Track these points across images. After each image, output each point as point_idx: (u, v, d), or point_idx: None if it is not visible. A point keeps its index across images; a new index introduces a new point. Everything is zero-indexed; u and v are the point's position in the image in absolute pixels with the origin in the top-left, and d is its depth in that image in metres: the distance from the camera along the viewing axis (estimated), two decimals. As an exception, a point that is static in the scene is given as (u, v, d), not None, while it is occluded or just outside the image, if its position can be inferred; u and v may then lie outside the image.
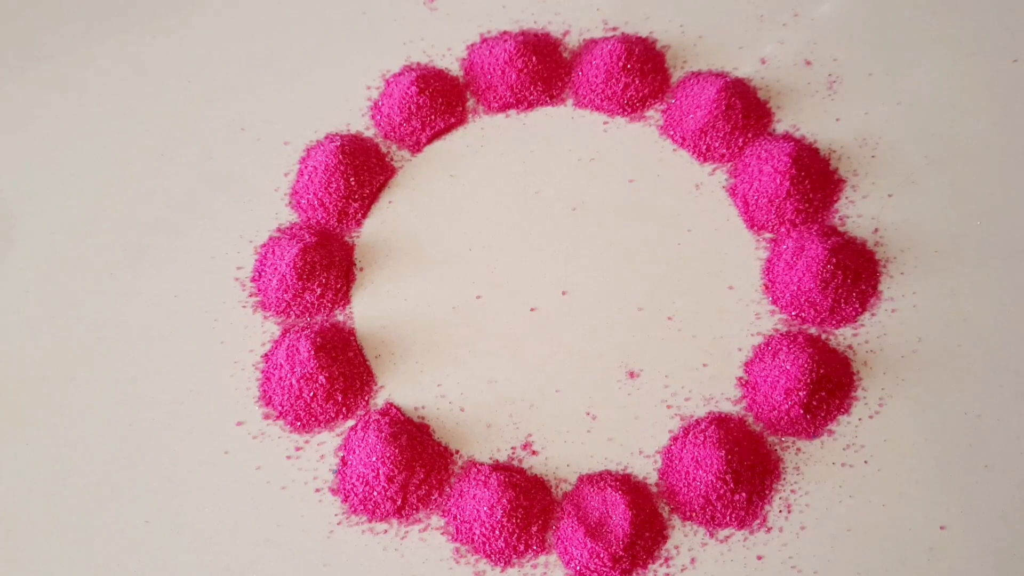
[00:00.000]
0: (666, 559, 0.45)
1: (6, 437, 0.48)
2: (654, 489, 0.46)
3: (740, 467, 0.45)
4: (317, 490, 0.46)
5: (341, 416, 0.48)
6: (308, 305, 0.50)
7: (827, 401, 0.47)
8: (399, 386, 0.49)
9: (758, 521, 0.45)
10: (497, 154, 0.54)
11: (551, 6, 0.56)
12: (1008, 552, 0.44)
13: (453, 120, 0.54)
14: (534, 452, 0.47)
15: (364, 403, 0.48)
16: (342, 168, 0.52)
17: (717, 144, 0.52)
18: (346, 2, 0.58)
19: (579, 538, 0.44)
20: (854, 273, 0.48)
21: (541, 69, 0.55)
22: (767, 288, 0.50)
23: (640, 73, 0.54)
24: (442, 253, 0.51)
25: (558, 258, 0.51)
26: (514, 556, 0.45)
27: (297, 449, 0.47)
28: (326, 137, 0.54)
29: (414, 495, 0.46)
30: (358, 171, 0.52)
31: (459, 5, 0.57)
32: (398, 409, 0.48)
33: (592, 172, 0.53)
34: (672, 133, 0.53)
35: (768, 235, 0.51)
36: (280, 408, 0.48)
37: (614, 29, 0.57)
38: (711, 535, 0.45)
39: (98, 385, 0.48)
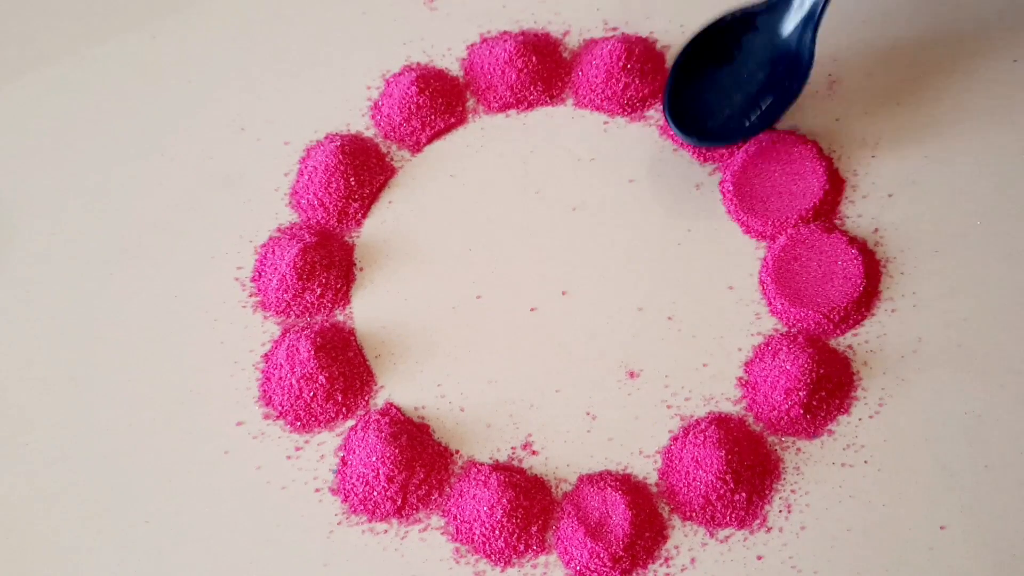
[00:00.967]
0: (666, 559, 0.45)
1: (6, 437, 0.48)
2: (654, 489, 0.46)
3: (740, 467, 0.45)
4: (317, 490, 0.46)
5: (341, 416, 0.48)
6: (308, 305, 0.50)
7: (827, 401, 0.47)
8: (399, 386, 0.49)
9: (758, 521, 0.45)
10: (497, 154, 0.54)
11: (551, 6, 0.56)
12: (1008, 552, 0.44)
13: (453, 120, 0.54)
14: (534, 452, 0.47)
15: (364, 403, 0.48)
16: (342, 168, 0.52)
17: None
18: (346, 2, 0.58)
19: (579, 538, 0.44)
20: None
21: (541, 69, 0.55)
22: (763, 288, 0.50)
23: (640, 73, 0.54)
24: (442, 253, 0.51)
25: (558, 258, 0.51)
26: (514, 556, 0.45)
27: (297, 449, 0.47)
28: (326, 137, 0.54)
29: (414, 495, 0.46)
30: (358, 171, 0.52)
31: (459, 5, 0.57)
32: (398, 409, 0.48)
33: (592, 172, 0.53)
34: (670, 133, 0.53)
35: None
36: (280, 408, 0.48)
37: (614, 29, 0.57)
38: (711, 535, 0.45)
39: (98, 385, 0.48)
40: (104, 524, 0.46)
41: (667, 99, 0.51)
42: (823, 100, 0.54)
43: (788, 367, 0.46)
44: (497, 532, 0.44)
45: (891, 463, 0.46)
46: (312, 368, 0.47)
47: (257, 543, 0.45)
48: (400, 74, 0.55)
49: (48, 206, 0.53)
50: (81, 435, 0.47)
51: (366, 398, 0.48)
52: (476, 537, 0.45)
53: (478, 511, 0.45)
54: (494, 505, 0.44)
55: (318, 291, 0.50)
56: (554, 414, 0.48)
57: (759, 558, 0.45)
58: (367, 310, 0.50)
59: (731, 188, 0.52)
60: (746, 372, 0.48)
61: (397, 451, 0.45)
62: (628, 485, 0.46)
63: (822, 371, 0.46)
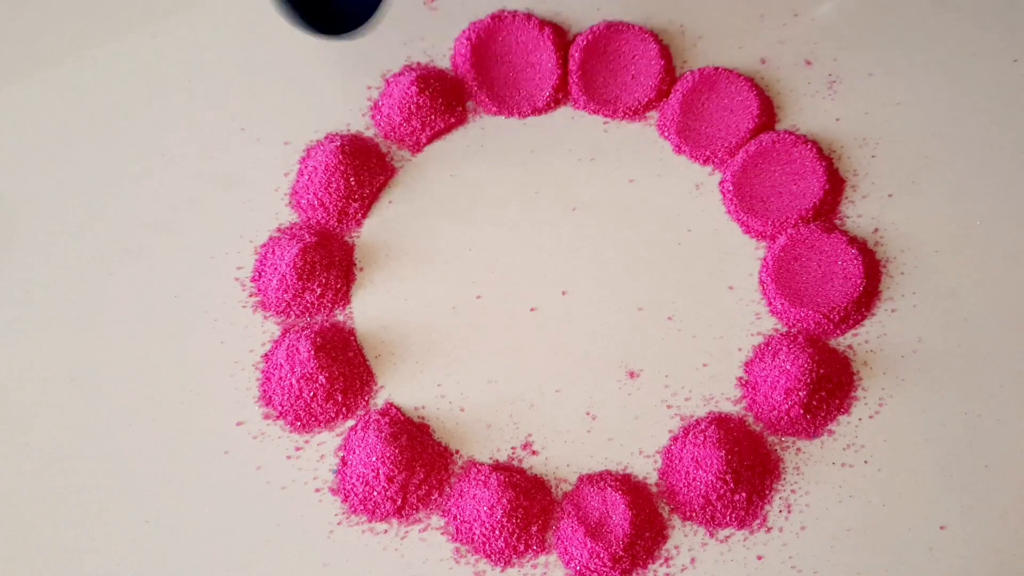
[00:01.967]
0: (666, 559, 0.45)
1: (6, 437, 0.48)
2: (654, 489, 0.46)
3: (740, 467, 0.45)
4: (317, 490, 0.46)
5: (341, 416, 0.48)
6: (308, 305, 0.50)
7: (827, 401, 0.47)
8: (399, 386, 0.49)
9: (758, 521, 0.45)
10: (497, 154, 0.54)
11: (551, 6, 0.56)
12: (1008, 552, 0.44)
13: (453, 120, 0.54)
14: (534, 452, 0.47)
15: (364, 403, 0.48)
16: (342, 168, 0.52)
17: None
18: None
19: (579, 538, 0.44)
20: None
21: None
22: (763, 288, 0.50)
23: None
24: (442, 253, 0.51)
25: (558, 258, 0.51)
26: (514, 556, 0.45)
27: (297, 449, 0.47)
28: (326, 137, 0.54)
29: (414, 495, 0.46)
30: (358, 171, 0.52)
31: (459, 5, 0.57)
32: (398, 409, 0.48)
33: (592, 172, 0.53)
34: (667, 134, 0.53)
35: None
36: (280, 408, 0.48)
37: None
38: (711, 535, 0.45)
39: (98, 385, 0.48)
40: (104, 524, 0.46)
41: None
42: (823, 100, 0.54)
43: (788, 367, 0.46)
44: (497, 532, 0.44)
45: (891, 463, 0.46)
46: (312, 368, 0.47)
47: (257, 543, 0.45)
48: (400, 74, 0.55)
49: (48, 206, 0.53)
50: (81, 435, 0.47)
51: (366, 398, 0.48)
52: (476, 537, 0.45)
53: (478, 511, 0.44)
54: (494, 505, 0.44)
55: (318, 291, 0.50)
56: (554, 414, 0.48)
57: (759, 558, 0.45)
58: (367, 310, 0.50)
59: (731, 188, 0.52)
60: (746, 372, 0.48)
61: (397, 451, 0.45)
62: (628, 485, 0.46)
63: (822, 371, 0.46)
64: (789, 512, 0.46)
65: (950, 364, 0.48)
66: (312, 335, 0.48)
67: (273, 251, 0.51)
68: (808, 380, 0.46)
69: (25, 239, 0.52)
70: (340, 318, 0.50)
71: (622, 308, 0.50)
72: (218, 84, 0.56)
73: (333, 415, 0.48)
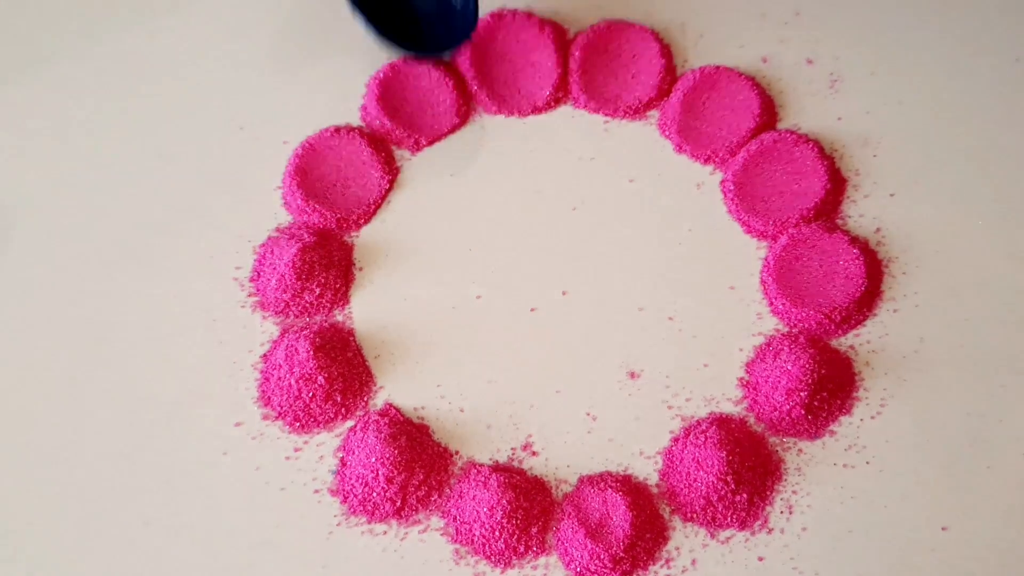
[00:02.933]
0: (667, 560, 0.45)
1: (6, 437, 0.47)
2: (655, 490, 0.46)
3: (741, 468, 0.45)
4: (316, 491, 0.46)
5: (340, 417, 0.48)
6: (307, 305, 0.50)
7: (828, 402, 0.47)
8: (399, 386, 0.48)
9: (759, 522, 0.45)
10: (497, 154, 0.54)
11: (551, 5, 0.56)
12: (1009, 552, 0.44)
13: (457, 120, 0.54)
14: (534, 453, 0.47)
15: (363, 403, 0.48)
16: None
17: None
18: (346, 2, 0.58)
19: (579, 539, 0.44)
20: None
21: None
22: (764, 288, 0.50)
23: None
24: (442, 253, 0.51)
25: (558, 258, 0.51)
26: (514, 557, 0.45)
27: (296, 450, 0.47)
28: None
29: (413, 496, 0.45)
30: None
31: (459, 4, 0.57)
32: (397, 409, 0.48)
33: (592, 172, 0.53)
34: (668, 133, 0.53)
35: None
36: (279, 409, 0.47)
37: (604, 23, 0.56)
38: (712, 536, 0.45)
39: (97, 385, 0.48)
40: (104, 524, 0.46)
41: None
42: (824, 100, 0.54)
43: (789, 367, 0.46)
44: (497, 533, 0.44)
45: (893, 464, 0.46)
46: (311, 368, 0.47)
47: (256, 544, 0.45)
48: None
49: (46, 206, 0.53)
50: (81, 435, 0.47)
51: (365, 398, 0.48)
52: (476, 538, 0.44)
53: (478, 512, 0.44)
54: (494, 506, 0.44)
55: (317, 291, 0.50)
56: (554, 414, 0.48)
57: (760, 559, 0.45)
58: (367, 310, 0.50)
59: (732, 188, 0.51)
60: (747, 372, 0.48)
61: (396, 452, 0.45)
62: (629, 486, 0.45)
63: (823, 371, 0.46)
64: (790, 513, 0.45)
65: (952, 364, 0.48)
66: (311, 335, 0.47)
67: (272, 251, 0.51)
68: (809, 380, 0.46)
69: (23, 239, 0.52)
70: (339, 318, 0.50)
71: (622, 308, 0.50)
72: (216, 84, 0.56)
73: (332, 416, 0.47)
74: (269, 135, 0.54)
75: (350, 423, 0.48)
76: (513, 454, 0.47)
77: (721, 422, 0.46)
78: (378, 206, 0.52)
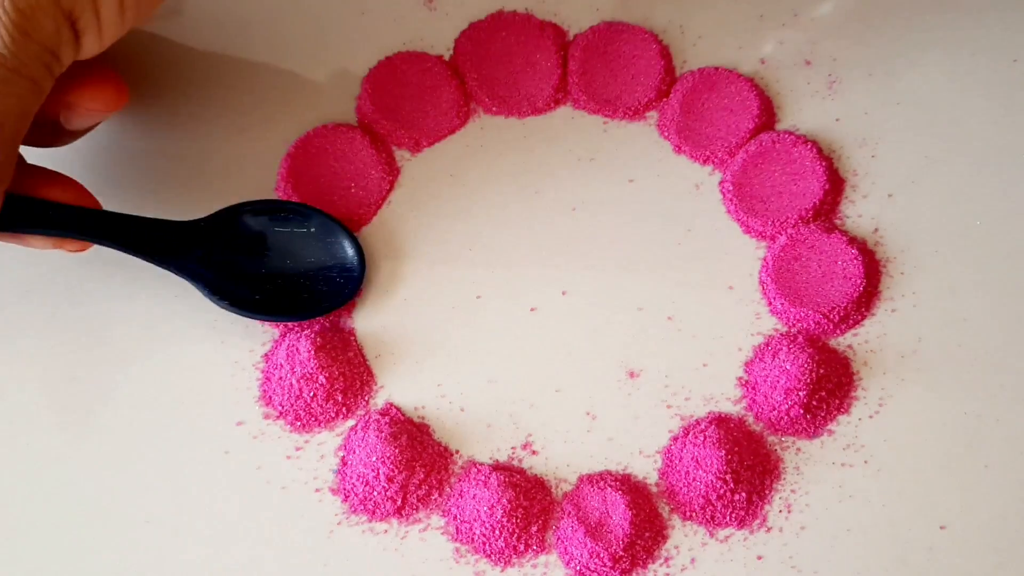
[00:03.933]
0: (666, 559, 0.45)
1: (6, 437, 0.48)
2: (654, 489, 0.46)
3: (740, 467, 0.45)
4: (317, 490, 0.46)
5: (341, 416, 0.48)
6: (308, 305, 0.50)
7: (827, 401, 0.47)
8: (399, 386, 0.49)
9: (758, 521, 0.45)
10: (497, 154, 0.54)
11: (550, 6, 0.56)
12: (1008, 552, 0.44)
13: (457, 120, 0.54)
14: (534, 452, 0.47)
15: (364, 403, 0.48)
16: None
17: None
18: (345, 2, 0.58)
19: (579, 538, 0.44)
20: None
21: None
22: (763, 288, 0.50)
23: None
24: (442, 253, 0.51)
25: (558, 258, 0.51)
26: (514, 556, 0.45)
27: (297, 449, 0.47)
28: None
29: (414, 495, 0.46)
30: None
31: (458, 5, 0.57)
32: (398, 409, 0.48)
33: (592, 172, 0.53)
34: (667, 134, 0.53)
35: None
36: (280, 408, 0.47)
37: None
38: (711, 535, 0.45)
39: (97, 385, 0.48)
40: (104, 524, 0.46)
41: None
42: (823, 100, 0.54)
43: (788, 367, 0.46)
44: (497, 532, 0.44)
45: (891, 463, 0.46)
46: (312, 368, 0.47)
47: (257, 543, 0.45)
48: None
49: (48, 206, 0.53)
50: (81, 435, 0.47)
51: (366, 398, 0.48)
52: (476, 537, 0.45)
53: (478, 511, 0.44)
54: (494, 505, 0.44)
55: (318, 291, 0.50)
56: (554, 414, 0.48)
57: (759, 558, 0.45)
58: (367, 310, 0.50)
59: (731, 188, 0.52)
60: (746, 372, 0.48)
61: (397, 451, 0.45)
62: (628, 485, 0.46)
63: (822, 371, 0.46)
64: (789, 512, 0.46)
65: (950, 364, 0.48)
66: (312, 335, 0.47)
67: (273, 251, 0.51)
68: (808, 380, 0.46)
69: (25, 239, 0.52)
70: (340, 318, 0.50)
71: (622, 308, 0.50)
72: (217, 84, 0.56)
73: (333, 415, 0.48)
74: (269, 136, 0.54)
75: (351, 422, 0.48)
76: (513, 453, 0.47)
77: (720, 421, 0.47)
78: (378, 206, 0.52)
